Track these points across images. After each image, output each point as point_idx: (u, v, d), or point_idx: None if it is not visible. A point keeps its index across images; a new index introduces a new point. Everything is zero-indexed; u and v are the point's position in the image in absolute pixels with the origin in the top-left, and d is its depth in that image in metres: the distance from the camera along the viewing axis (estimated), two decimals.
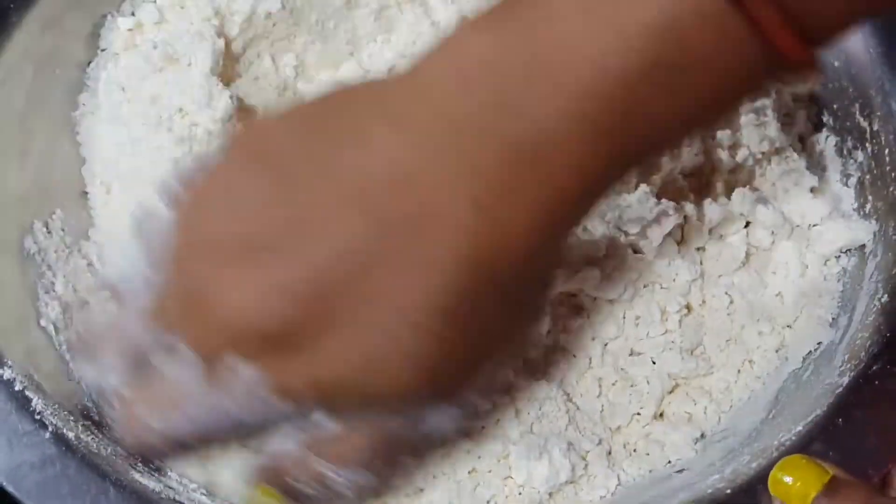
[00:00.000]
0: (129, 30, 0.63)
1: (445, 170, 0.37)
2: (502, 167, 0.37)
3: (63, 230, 0.60)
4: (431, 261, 0.37)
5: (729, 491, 0.50)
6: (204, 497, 0.52)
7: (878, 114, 0.60)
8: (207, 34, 0.60)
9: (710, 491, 0.51)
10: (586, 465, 0.56)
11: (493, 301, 0.39)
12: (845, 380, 0.53)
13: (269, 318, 0.37)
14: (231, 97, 0.59)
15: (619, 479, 0.56)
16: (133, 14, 0.64)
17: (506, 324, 0.41)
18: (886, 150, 0.59)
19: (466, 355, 0.40)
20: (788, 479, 0.46)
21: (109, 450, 0.51)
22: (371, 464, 0.42)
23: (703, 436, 0.57)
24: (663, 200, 0.58)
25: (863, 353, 0.54)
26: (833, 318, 0.58)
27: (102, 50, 0.64)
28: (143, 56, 0.61)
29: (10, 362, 0.52)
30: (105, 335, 0.42)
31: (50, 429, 0.50)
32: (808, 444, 0.51)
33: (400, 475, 0.50)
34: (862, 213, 0.60)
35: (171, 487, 0.51)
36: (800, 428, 0.52)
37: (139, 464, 0.51)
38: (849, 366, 0.54)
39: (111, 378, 0.41)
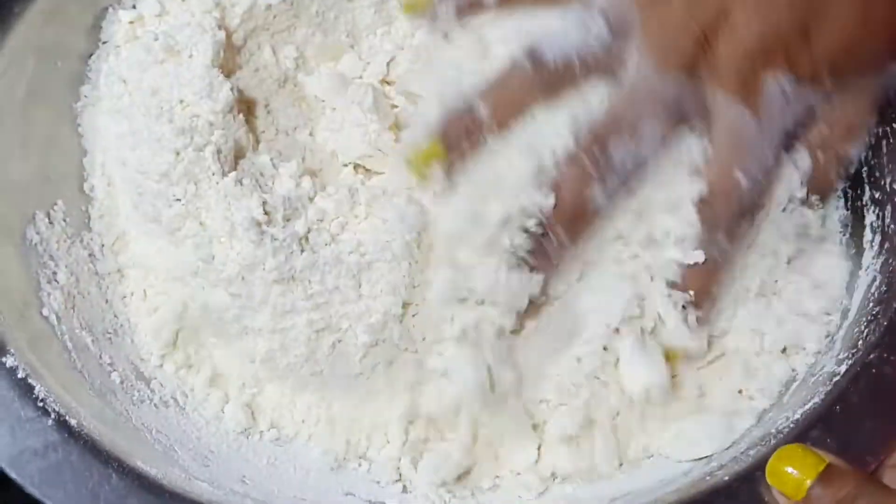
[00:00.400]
0: (131, 22, 0.64)
1: None
2: None
3: (65, 220, 0.60)
4: None
5: (727, 478, 0.51)
6: (205, 484, 0.52)
7: None
8: (208, 26, 0.61)
9: (708, 478, 0.52)
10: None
11: None
12: (843, 368, 0.53)
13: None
14: (231, 88, 0.59)
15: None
16: (134, 6, 0.65)
17: None
18: (883, 141, 0.59)
19: None
20: (786, 469, 0.46)
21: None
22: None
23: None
24: None
25: (861, 342, 0.54)
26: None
27: (104, 42, 0.64)
28: (144, 48, 0.61)
29: (12, 350, 0.52)
30: None
31: (52, 416, 0.51)
32: (807, 432, 0.51)
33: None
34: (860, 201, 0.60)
35: (173, 475, 0.52)
36: (798, 416, 0.52)
37: None
38: (846, 354, 0.54)
39: None
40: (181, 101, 0.58)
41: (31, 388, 0.51)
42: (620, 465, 0.57)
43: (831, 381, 0.53)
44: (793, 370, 0.57)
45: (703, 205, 0.55)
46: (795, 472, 0.46)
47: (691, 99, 0.55)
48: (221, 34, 0.61)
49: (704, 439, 0.56)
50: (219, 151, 0.58)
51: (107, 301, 0.60)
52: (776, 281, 0.59)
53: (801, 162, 0.57)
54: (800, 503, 0.46)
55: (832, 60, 0.54)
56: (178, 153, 0.58)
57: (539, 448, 0.57)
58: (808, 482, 0.46)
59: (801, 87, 0.54)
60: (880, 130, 0.59)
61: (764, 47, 0.53)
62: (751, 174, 0.55)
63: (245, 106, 0.62)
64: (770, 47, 0.53)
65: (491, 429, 0.57)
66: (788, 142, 0.56)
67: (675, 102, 0.55)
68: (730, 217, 0.56)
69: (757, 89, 0.54)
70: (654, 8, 0.55)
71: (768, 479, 0.47)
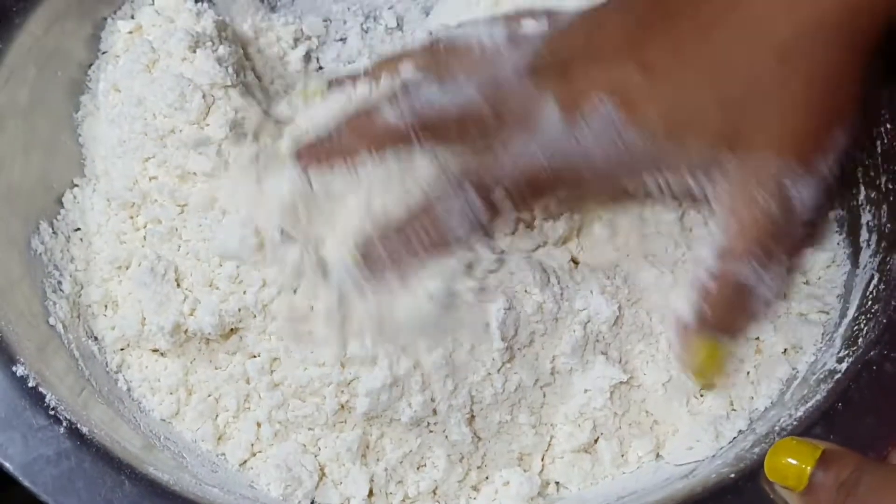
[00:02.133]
0: (129, 32, 0.64)
1: None
2: None
3: (68, 229, 0.60)
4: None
5: (733, 475, 0.51)
6: (215, 489, 0.52)
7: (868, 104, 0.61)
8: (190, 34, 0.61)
9: (714, 476, 0.52)
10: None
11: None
12: (844, 366, 0.54)
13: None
14: (204, 96, 0.59)
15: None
16: (133, 17, 0.65)
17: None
18: (878, 141, 0.60)
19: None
20: (784, 461, 0.47)
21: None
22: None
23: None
24: None
25: (860, 340, 0.55)
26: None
27: (103, 52, 0.64)
28: (133, 57, 0.61)
29: (22, 359, 0.52)
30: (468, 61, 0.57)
31: (64, 423, 0.51)
32: (809, 429, 0.52)
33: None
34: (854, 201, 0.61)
35: (185, 481, 0.52)
36: (800, 413, 0.53)
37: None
38: (847, 352, 0.55)
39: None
40: (159, 113, 0.59)
41: (42, 396, 0.51)
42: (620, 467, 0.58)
43: (832, 378, 0.54)
44: (793, 369, 0.57)
45: None
46: (794, 461, 0.47)
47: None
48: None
49: (705, 441, 0.57)
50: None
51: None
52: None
53: None
54: (804, 492, 0.46)
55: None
56: (149, 166, 0.59)
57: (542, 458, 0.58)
58: (809, 469, 0.46)
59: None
60: (874, 131, 0.60)
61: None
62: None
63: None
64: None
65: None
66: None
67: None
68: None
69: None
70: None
71: (769, 476, 0.48)
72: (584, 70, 0.54)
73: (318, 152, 0.57)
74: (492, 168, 0.55)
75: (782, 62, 0.50)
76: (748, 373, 0.58)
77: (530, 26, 0.58)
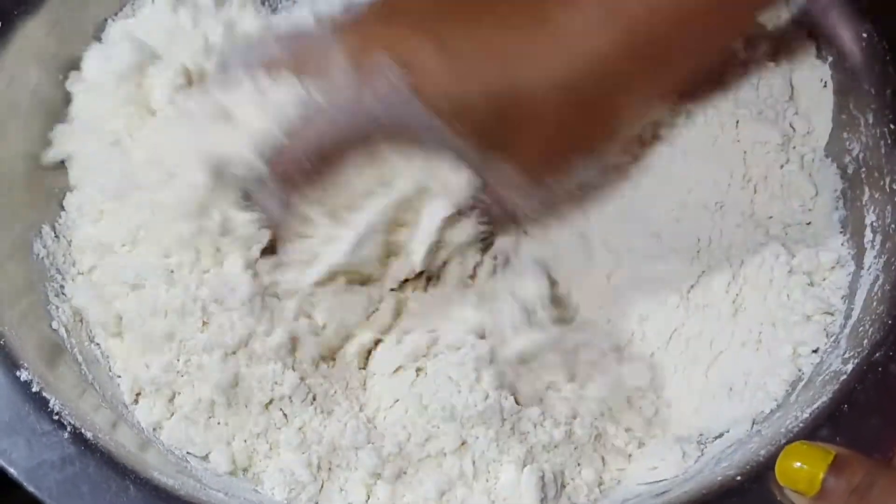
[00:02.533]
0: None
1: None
2: None
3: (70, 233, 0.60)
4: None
5: (739, 478, 0.51)
6: (222, 495, 0.52)
7: (873, 106, 0.61)
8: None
9: (719, 478, 0.52)
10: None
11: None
12: (849, 367, 0.54)
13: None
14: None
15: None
16: (133, 17, 0.65)
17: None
18: (882, 141, 0.60)
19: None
20: (795, 466, 0.47)
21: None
22: None
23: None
24: None
25: (865, 341, 0.55)
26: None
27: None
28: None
29: (26, 364, 0.52)
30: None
31: (68, 428, 0.51)
32: (815, 431, 0.52)
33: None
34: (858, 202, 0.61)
35: (189, 485, 0.52)
36: (806, 415, 0.53)
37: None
38: (852, 353, 0.55)
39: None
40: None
41: (46, 401, 0.51)
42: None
43: (838, 380, 0.54)
44: (799, 370, 0.57)
45: None
46: (805, 466, 0.47)
47: None
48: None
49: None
50: None
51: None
52: (776, 283, 0.60)
53: None
54: (815, 497, 0.46)
55: None
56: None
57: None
58: (821, 475, 0.46)
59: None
60: (877, 131, 0.60)
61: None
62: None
63: None
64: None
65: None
66: None
67: None
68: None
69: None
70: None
71: (780, 480, 0.48)
72: (383, 27, 0.54)
73: None
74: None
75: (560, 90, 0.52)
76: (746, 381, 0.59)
77: None
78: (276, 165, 0.53)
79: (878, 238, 0.59)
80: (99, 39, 0.64)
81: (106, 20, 0.64)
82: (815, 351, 0.58)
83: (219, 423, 0.55)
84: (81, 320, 0.58)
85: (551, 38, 0.52)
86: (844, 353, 0.55)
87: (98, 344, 0.57)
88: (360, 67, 0.52)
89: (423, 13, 0.53)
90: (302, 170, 0.54)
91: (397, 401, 0.56)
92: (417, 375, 0.56)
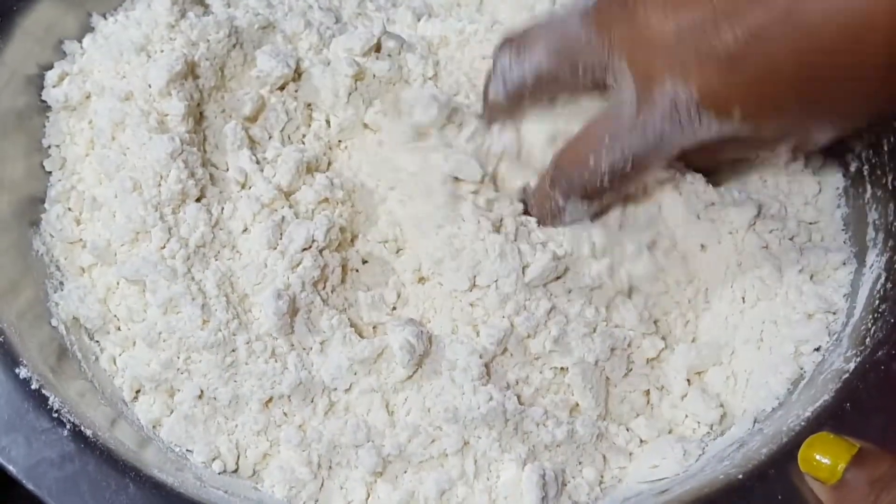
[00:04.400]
0: None
1: None
2: None
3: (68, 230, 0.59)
4: None
5: (741, 476, 0.51)
6: (221, 493, 0.52)
7: None
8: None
9: (721, 476, 0.52)
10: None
11: None
12: (852, 365, 0.54)
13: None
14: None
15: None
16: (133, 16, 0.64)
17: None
18: (884, 139, 0.60)
19: None
20: (818, 456, 0.47)
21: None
22: None
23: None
24: None
25: (868, 340, 0.55)
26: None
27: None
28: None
29: (25, 361, 0.52)
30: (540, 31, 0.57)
31: (68, 426, 0.50)
32: (818, 429, 0.51)
33: None
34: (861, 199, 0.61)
35: (189, 483, 0.51)
36: (808, 413, 0.53)
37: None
38: (854, 352, 0.55)
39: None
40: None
41: (46, 398, 0.51)
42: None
43: (840, 378, 0.54)
44: (801, 369, 0.57)
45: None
46: (827, 460, 0.47)
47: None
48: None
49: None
50: None
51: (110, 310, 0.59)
52: (779, 281, 0.60)
53: None
54: (835, 485, 0.46)
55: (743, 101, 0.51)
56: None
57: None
58: (842, 466, 0.46)
59: (706, 113, 0.52)
60: (879, 128, 0.60)
61: (670, 50, 0.52)
62: (597, 159, 0.55)
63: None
64: (682, 56, 0.51)
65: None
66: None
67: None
68: (565, 188, 0.57)
69: (652, 87, 0.52)
70: None
71: (802, 468, 0.48)
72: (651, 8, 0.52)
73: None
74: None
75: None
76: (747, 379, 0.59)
77: None
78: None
79: (881, 236, 0.59)
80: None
81: (104, 15, 0.64)
82: (817, 349, 0.58)
83: (219, 421, 0.55)
84: (80, 317, 0.57)
85: None
86: (847, 352, 0.55)
87: (97, 341, 0.57)
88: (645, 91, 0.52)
89: None
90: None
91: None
92: None
